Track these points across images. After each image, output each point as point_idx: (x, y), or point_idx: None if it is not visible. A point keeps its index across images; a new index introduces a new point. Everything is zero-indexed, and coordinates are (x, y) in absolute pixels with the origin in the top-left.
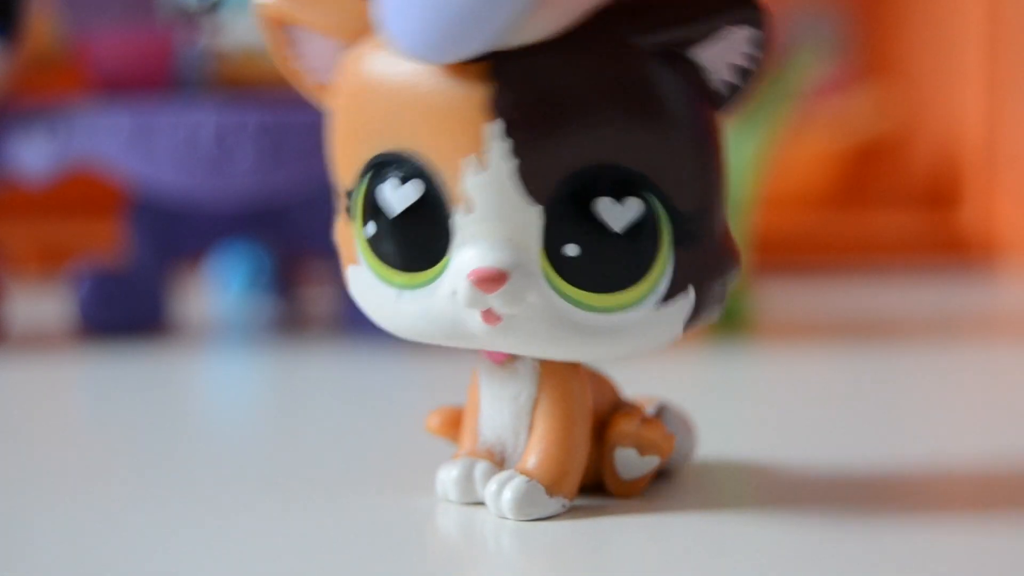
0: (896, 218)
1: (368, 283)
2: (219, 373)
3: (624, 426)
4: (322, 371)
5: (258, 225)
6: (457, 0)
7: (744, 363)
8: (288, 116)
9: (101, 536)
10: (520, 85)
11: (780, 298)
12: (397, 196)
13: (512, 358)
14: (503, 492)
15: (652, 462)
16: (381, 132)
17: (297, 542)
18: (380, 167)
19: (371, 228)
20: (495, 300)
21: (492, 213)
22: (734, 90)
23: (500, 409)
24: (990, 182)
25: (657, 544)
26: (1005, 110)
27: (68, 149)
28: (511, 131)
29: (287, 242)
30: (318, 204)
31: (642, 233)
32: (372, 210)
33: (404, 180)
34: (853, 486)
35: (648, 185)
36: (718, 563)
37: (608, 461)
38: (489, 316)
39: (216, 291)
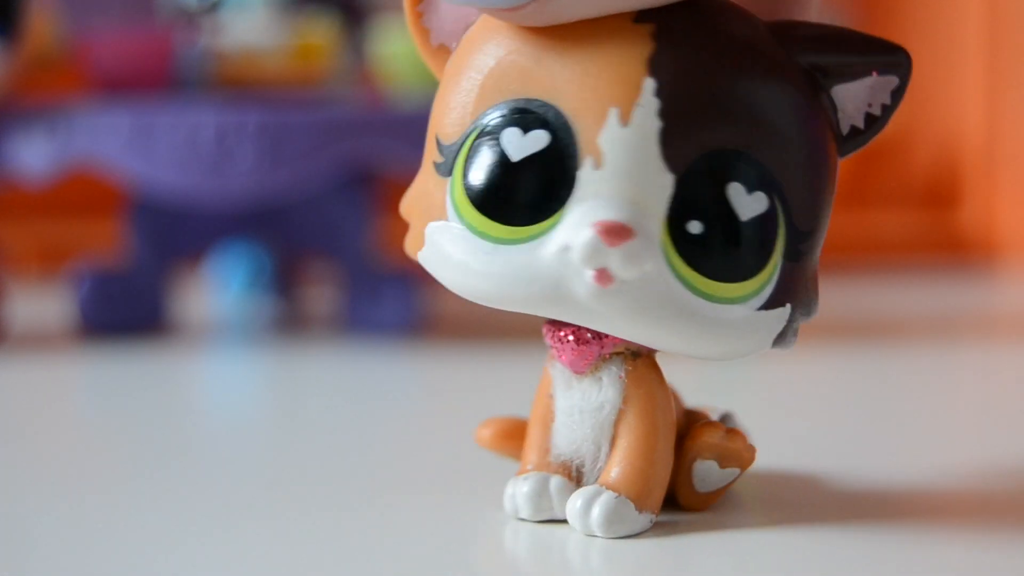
0: (896, 218)
1: (457, 238)
2: (219, 373)
3: (708, 437)
4: (322, 371)
5: (258, 225)
6: None
7: (743, 363)
8: (288, 116)
9: (101, 536)
10: (681, 52)
11: None
12: (520, 142)
13: (595, 367)
14: (591, 508)
15: (732, 474)
16: (512, 82)
17: (296, 543)
18: (501, 115)
19: (478, 175)
20: (615, 257)
21: (624, 172)
22: (858, 136)
23: (580, 421)
24: (990, 182)
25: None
26: (1005, 110)
27: (68, 149)
28: (665, 91)
29: (287, 242)
30: (318, 204)
31: (764, 229)
32: (483, 159)
33: (527, 128)
34: (851, 485)
35: (778, 187)
36: None
37: (685, 473)
38: (603, 276)
39: (216, 291)
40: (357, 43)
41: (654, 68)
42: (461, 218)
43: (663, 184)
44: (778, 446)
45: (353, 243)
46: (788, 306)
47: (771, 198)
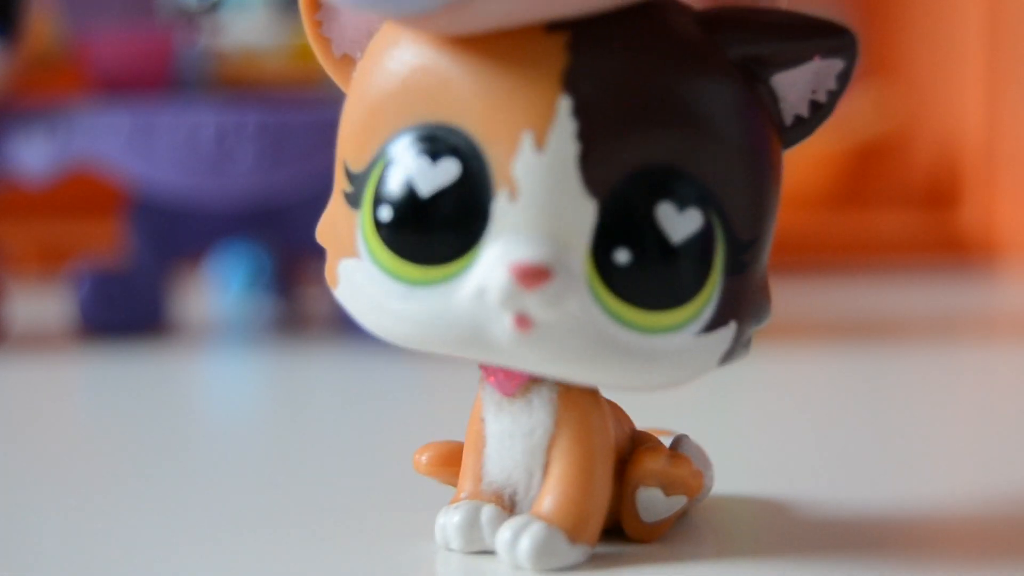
0: (896, 218)
1: (369, 279)
2: (219, 373)
3: (649, 463)
4: (322, 371)
5: (258, 225)
6: None
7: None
8: (288, 116)
9: (101, 536)
10: (598, 63)
11: (780, 298)
12: (429, 174)
13: (525, 389)
14: (520, 540)
15: (678, 502)
16: (417, 104)
17: (296, 543)
18: (408, 143)
19: (385, 212)
20: (533, 300)
21: (541, 202)
22: (803, 125)
23: (511, 446)
24: (990, 182)
25: None
26: (1005, 110)
27: (68, 149)
28: (582, 110)
29: (287, 242)
30: (318, 204)
31: (699, 250)
32: (390, 193)
33: (435, 157)
34: (852, 486)
35: (713, 201)
36: None
37: (629, 502)
38: (522, 321)
39: (216, 291)
40: None
41: (569, 84)
42: (373, 258)
43: (585, 212)
44: (777, 445)
45: None
46: (732, 323)
47: (706, 213)
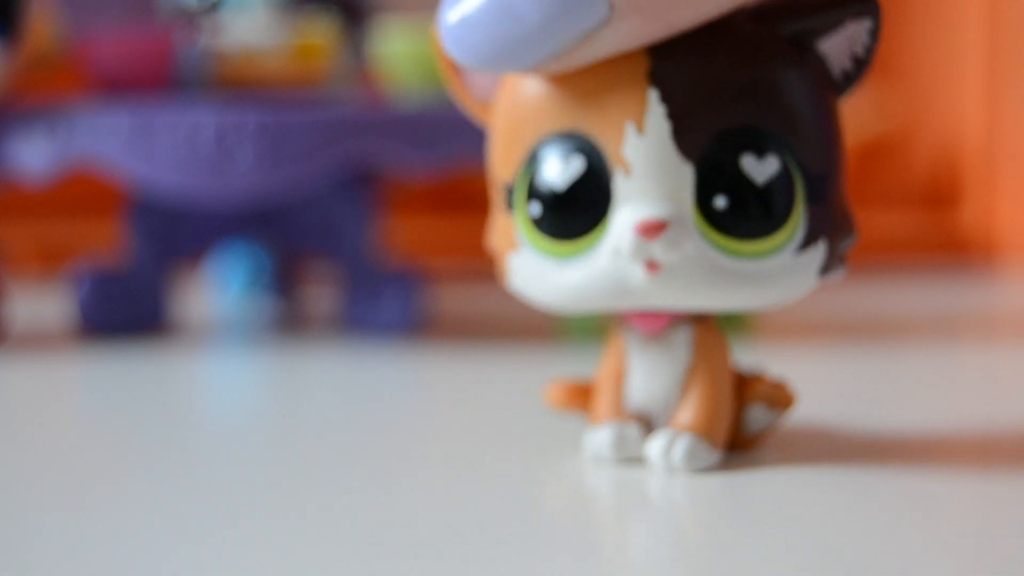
0: (896, 218)
1: (531, 262)
2: (219, 373)
3: (760, 386)
4: (322, 371)
5: (258, 225)
6: (520, 22)
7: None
8: (288, 116)
9: (101, 536)
10: (674, 59)
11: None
12: (563, 172)
13: (667, 329)
14: (674, 447)
15: (776, 416)
16: (543, 122)
17: (296, 542)
18: (542, 152)
19: (536, 208)
20: (657, 247)
21: (649, 173)
22: (849, 78)
23: (656, 377)
24: (990, 182)
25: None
26: (1005, 110)
27: (68, 149)
28: (666, 97)
29: (287, 242)
30: (318, 204)
31: (781, 186)
32: (537, 191)
33: (564, 158)
34: (851, 487)
35: (785, 145)
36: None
37: (737, 417)
38: (651, 266)
39: (216, 291)
40: (357, 43)
41: (654, 79)
42: (531, 244)
43: (685, 173)
44: (777, 445)
45: (353, 243)
46: (822, 241)
47: (781, 157)
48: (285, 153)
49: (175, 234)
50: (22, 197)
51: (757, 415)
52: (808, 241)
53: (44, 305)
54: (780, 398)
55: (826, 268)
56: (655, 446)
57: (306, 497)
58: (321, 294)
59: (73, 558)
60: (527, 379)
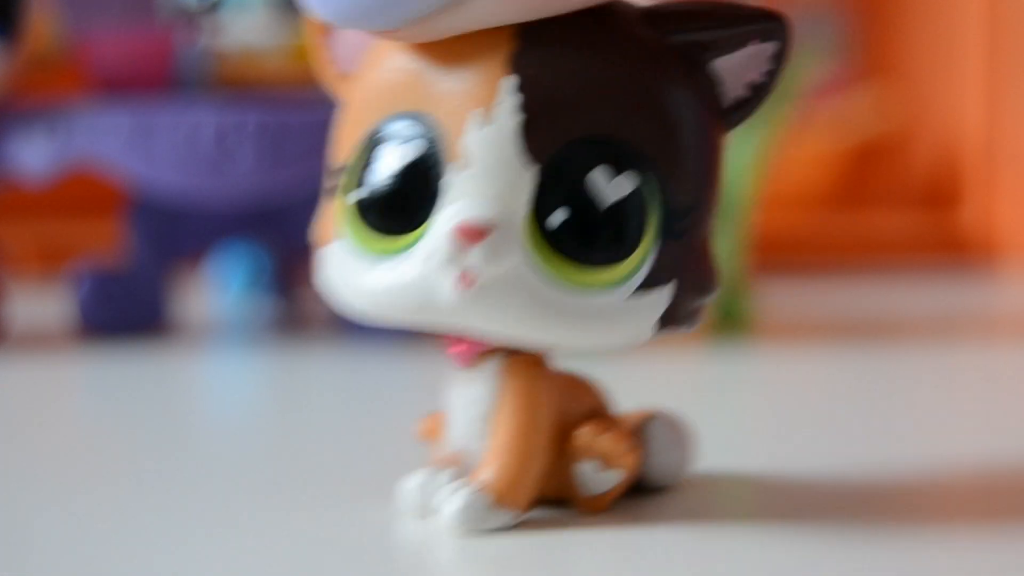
0: (896, 218)
1: (343, 255)
2: (219, 373)
3: (580, 438)
4: (322, 371)
5: (258, 225)
6: None
7: (744, 363)
8: (288, 116)
9: (101, 536)
10: (544, 47)
11: (780, 298)
12: (395, 156)
13: (476, 360)
14: (449, 502)
15: (614, 476)
16: (391, 100)
17: (296, 542)
18: (381, 133)
19: (360, 192)
20: (475, 255)
21: (485, 170)
22: (742, 106)
23: (465, 415)
24: (990, 182)
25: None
26: (1005, 110)
27: (68, 149)
28: (526, 86)
29: (287, 242)
30: (318, 204)
31: (632, 211)
32: (365, 176)
33: (399, 141)
34: (852, 488)
35: (647, 167)
36: None
37: (569, 475)
38: (465, 277)
39: (216, 291)
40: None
41: (515, 65)
42: (349, 234)
43: (525, 177)
44: (777, 445)
45: None
46: (669, 286)
47: (639, 179)
48: (285, 153)
49: (175, 234)
50: (22, 197)
51: (587, 474)
52: (651, 282)
53: (44, 305)
54: (612, 455)
55: (668, 320)
56: (436, 500)
57: (305, 497)
58: (321, 294)
59: (73, 558)
60: None
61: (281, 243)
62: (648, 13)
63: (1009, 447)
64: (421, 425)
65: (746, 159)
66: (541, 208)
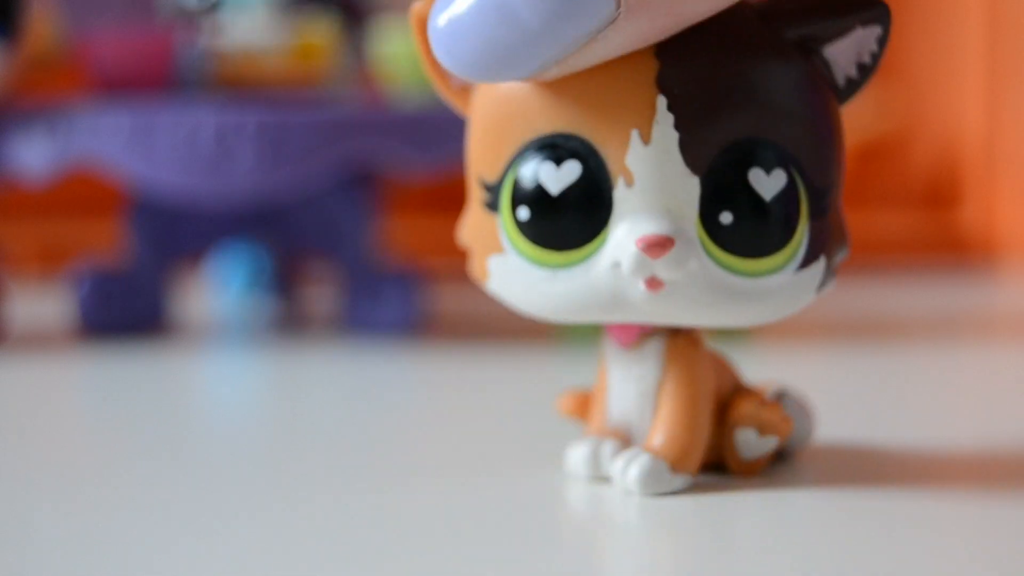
0: (896, 218)
1: (516, 268)
2: (219, 373)
3: (745, 408)
4: (322, 371)
5: (258, 225)
6: (518, 25)
7: (744, 364)
8: (288, 116)
9: (101, 536)
10: (683, 64)
11: None
12: (555, 176)
13: (639, 341)
14: (629, 468)
15: (770, 442)
16: (535, 119)
17: (296, 542)
18: (534, 152)
19: (524, 212)
20: (660, 266)
21: (653, 185)
22: (853, 85)
23: (627, 390)
24: (990, 182)
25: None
26: (1005, 110)
27: (68, 149)
28: (675, 106)
29: (287, 242)
30: (318, 204)
31: (788, 202)
32: (525, 194)
33: (559, 161)
34: (852, 487)
35: (792, 160)
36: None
37: (729, 441)
38: (653, 283)
39: (216, 291)
40: (357, 43)
41: (663, 85)
42: (517, 250)
43: (690, 187)
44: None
45: (353, 243)
46: (822, 257)
47: (789, 171)
48: (285, 153)
49: (175, 234)
50: (22, 197)
51: (747, 440)
52: (809, 258)
53: (44, 305)
54: (769, 425)
55: (822, 284)
56: (615, 466)
57: (305, 498)
58: (321, 294)
59: (73, 558)
60: (526, 380)
61: (281, 243)
62: (763, 11)
63: (1009, 447)
64: (565, 402)
65: None
66: (710, 213)
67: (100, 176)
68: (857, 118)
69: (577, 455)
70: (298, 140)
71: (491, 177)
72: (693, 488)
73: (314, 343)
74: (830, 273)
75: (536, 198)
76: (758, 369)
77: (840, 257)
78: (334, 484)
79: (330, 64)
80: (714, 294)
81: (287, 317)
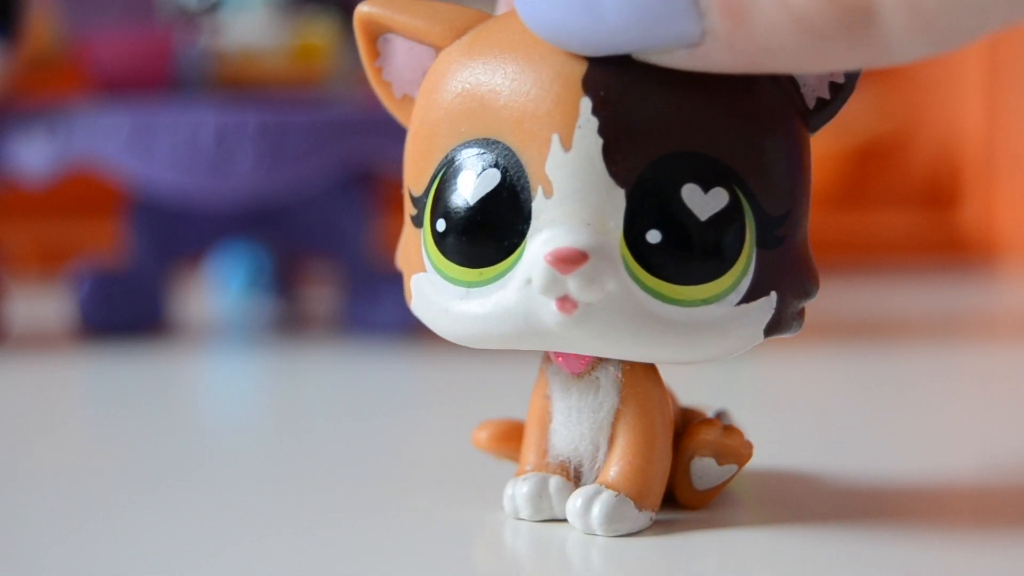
0: (896, 218)
1: (433, 287)
2: (219, 373)
3: (705, 435)
4: (322, 371)
5: (258, 225)
6: (600, 18)
7: (743, 363)
8: (288, 116)
9: (102, 536)
10: (614, 63)
11: None
12: (473, 185)
13: (592, 368)
14: (592, 507)
15: (730, 471)
16: (461, 125)
17: (296, 543)
18: (455, 161)
19: (441, 225)
20: (572, 283)
21: (573, 195)
22: (824, 107)
23: (578, 421)
24: (990, 182)
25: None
26: (1005, 110)
27: (68, 149)
28: (599, 109)
29: (287, 242)
30: (318, 204)
31: (727, 225)
32: (444, 206)
33: (481, 170)
34: (851, 487)
35: (736, 179)
36: None
37: (683, 471)
38: (565, 303)
39: (216, 291)
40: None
41: (588, 86)
42: (435, 267)
43: (615, 200)
44: (775, 445)
45: (353, 243)
46: (773, 293)
47: (732, 192)
48: (285, 153)
49: (175, 234)
50: (22, 197)
51: (704, 470)
52: (755, 292)
53: (44, 305)
54: (730, 452)
55: (775, 325)
56: (572, 506)
57: (304, 498)
58: (321, 294)
59: (73, 558)
60: (526, 381)
61: (281, 243)
62: None
63: (1009, 447)
64: (485, 432)
65: None
66: (635, 230)
67: (100, 176)
68: (857, 118)
69: (519, 494)
70: (298, 140)
71: (417, 189)
72: (653, 527)
73: (314, 343)
74: (788, 315)
75: (453, 209)
76: (758, 369)
77: (804, 301)
78: (332, 485)
79: (330, 64)
80: (637, 322)
81: (287, 317)
